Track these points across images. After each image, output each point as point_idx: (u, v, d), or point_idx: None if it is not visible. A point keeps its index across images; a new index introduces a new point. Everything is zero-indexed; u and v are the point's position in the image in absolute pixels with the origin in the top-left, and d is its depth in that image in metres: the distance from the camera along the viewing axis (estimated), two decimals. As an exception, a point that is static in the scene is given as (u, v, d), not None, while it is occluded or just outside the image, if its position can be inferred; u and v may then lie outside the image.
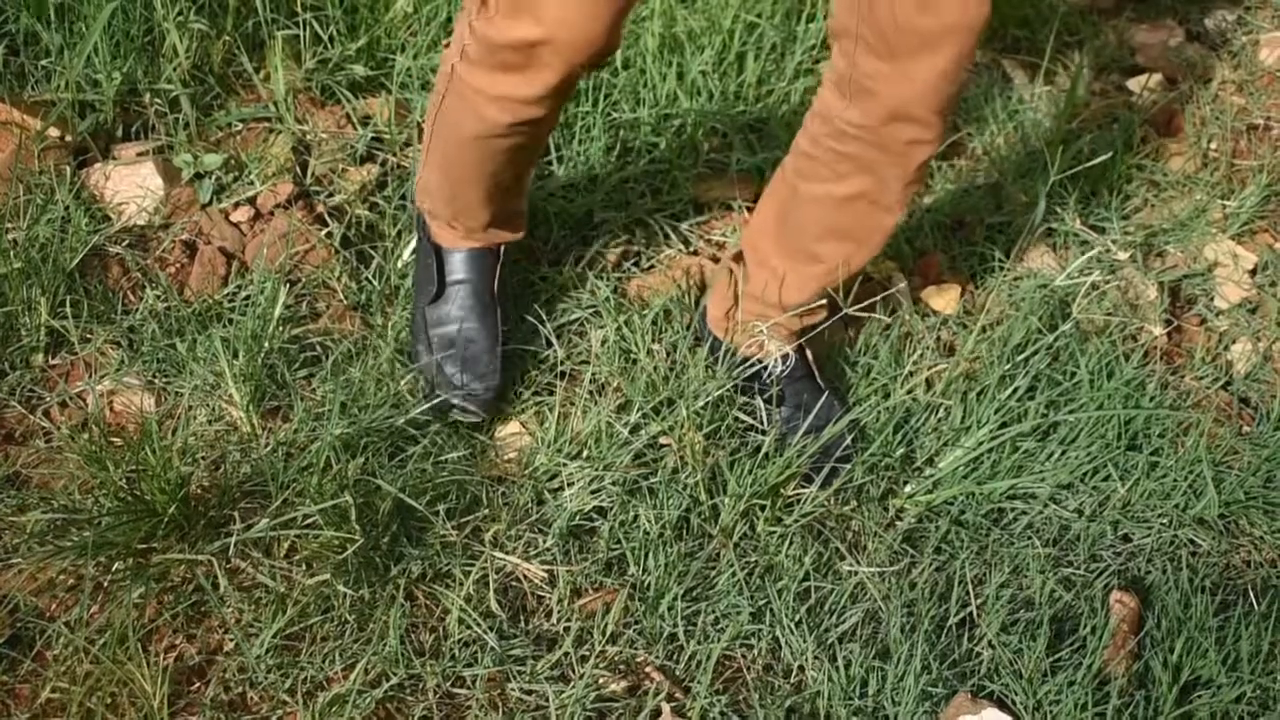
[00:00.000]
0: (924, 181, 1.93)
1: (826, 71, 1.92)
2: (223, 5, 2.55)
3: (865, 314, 2.24)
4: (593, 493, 2.03)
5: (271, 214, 2.30)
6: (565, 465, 2.04)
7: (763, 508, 2.03)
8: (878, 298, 2.37)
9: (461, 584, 1.90)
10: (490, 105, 1.79)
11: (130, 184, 2.29)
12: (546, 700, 1.82)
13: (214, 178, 2.33)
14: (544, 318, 2.23)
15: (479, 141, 1.86)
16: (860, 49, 1.78)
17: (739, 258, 2.14)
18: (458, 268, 2.12)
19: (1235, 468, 2.28)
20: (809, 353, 2.19)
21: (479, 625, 1.87)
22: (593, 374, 2.19)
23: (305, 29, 2.54)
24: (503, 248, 2.14)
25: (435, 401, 2.04)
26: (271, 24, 2.54)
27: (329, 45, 2.57)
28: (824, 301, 2.11)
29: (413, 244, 2.26)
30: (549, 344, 2.21)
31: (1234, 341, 2.51)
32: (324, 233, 2.28)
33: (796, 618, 1.95)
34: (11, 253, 2.11)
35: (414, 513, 1.95)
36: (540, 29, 1.65)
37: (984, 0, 1.70)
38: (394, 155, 2.45)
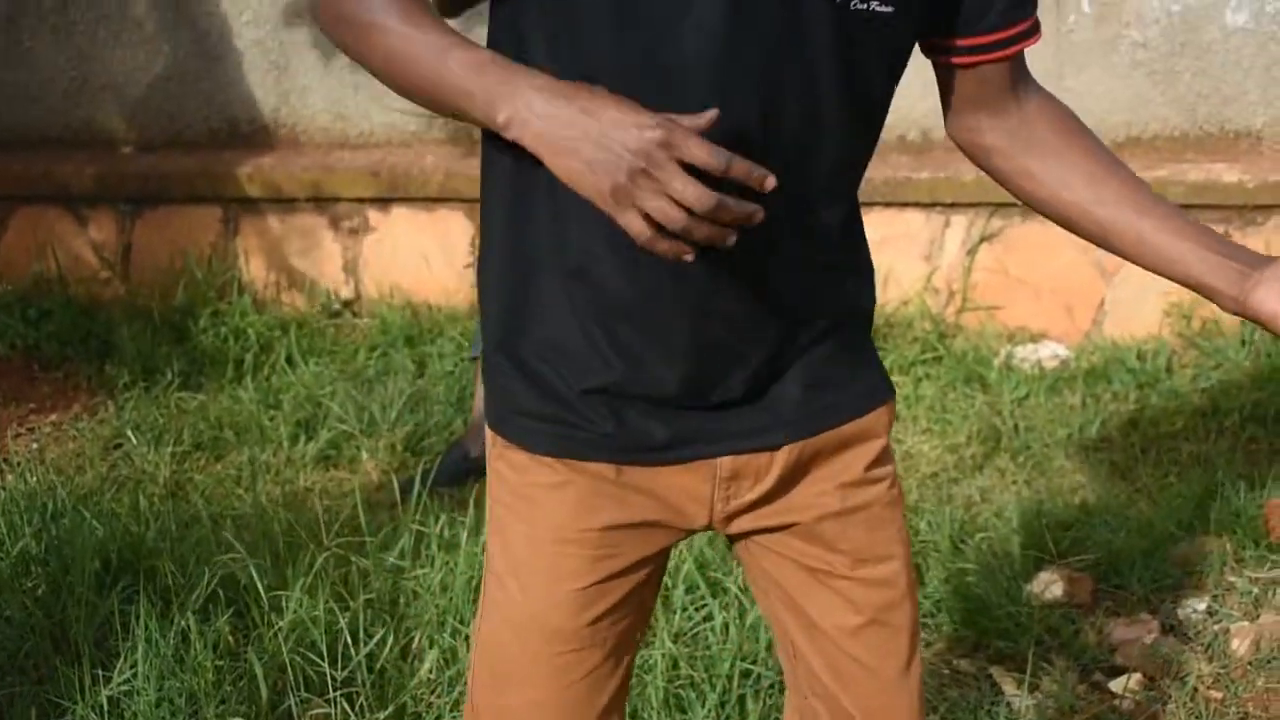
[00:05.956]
0: None
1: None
2: (256, 689, 2.77)
3: None
4: None
5: None
6: None
7: None
8: None
9: None
10: None
11: None
12: None
13: None
14: None
15: None
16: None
17: None
18: None
19: None
20: None
21: None
22: None
23: (336, 706, 2.75)
24: None
25: None
26: (304, 704, 2.76)
27: (359, 717, 2.77)
28: None
29: None
30: None
31: None
32: None
33: None
34: None
35: None
36: None
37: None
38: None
